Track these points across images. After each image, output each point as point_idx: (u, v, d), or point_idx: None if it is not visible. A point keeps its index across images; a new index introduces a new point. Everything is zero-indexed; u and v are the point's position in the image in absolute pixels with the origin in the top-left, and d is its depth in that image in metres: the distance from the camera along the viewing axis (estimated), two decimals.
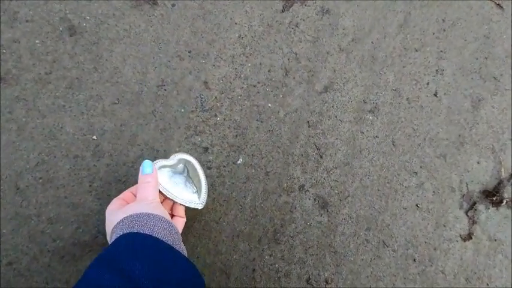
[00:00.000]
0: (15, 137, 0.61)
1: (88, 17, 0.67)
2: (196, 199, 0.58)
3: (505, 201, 0.74)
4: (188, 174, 0.62)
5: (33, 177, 0.61)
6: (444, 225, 0.72)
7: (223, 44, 0.72)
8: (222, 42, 0.72)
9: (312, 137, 0.72)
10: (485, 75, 0.80)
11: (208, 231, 0.65)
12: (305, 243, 0.68)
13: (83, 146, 0.63)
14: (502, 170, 0.76)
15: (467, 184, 0.75)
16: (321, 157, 0.71)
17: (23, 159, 0.61)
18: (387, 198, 0.72)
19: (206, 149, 0.68)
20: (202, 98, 0.69)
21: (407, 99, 0.76)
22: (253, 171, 0.69)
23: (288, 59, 0.74)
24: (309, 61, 0.75)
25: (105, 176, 0.63)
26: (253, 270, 0.65)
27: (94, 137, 0.64)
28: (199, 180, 0.60)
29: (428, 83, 0.78)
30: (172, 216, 0.58)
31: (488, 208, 0.74)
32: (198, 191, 0.60)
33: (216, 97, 0.70)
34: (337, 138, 0.72)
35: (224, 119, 0.69)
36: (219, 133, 0.69)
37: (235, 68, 0.72)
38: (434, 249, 0.71)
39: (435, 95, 0.77)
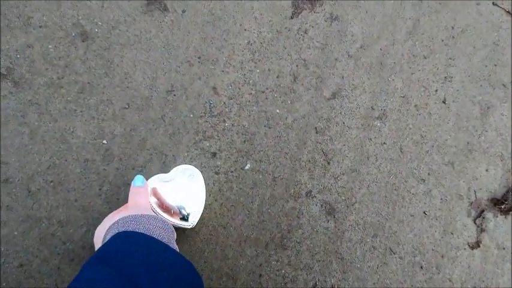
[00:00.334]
0: (27, 141, 0.62)
1: (100, 23, 0.68)
2: (185, 222, 0.57)
3: None
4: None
5: (44, 180, 0.62)
6: (452, 233, 0.72)
7: (233, 50, 0.73)
8: (231, 48, 0.73)
9: (320, 143, 0.72)
10: (494, 82, 0.79)
11: (216, 236, 0.65)
12: (312, 249, 0.68)
13: (93, 150, 0.64)
14: (511, 178, 0.75)
15: (475, 192, 0.74)
16: (329, 163, 0.71)
17: (35, 162, 0.62)
18: (394, 205, 0.72)
19: (214, 154, 0.68)
20: (211, 103, 0.70)
21: (415, 106, 0.76)
22: (260, 176, 0.69)
23: (297, 65, 0.74)
24: (317, 67, 0.75)
25: (114, 180, 0.64)
26: (260, 275, 0.65)
27: (104, 141, 0.65)
28: (198, 197, 0.60)
29: (436, 90, 0.77)
30: None
31: (497, 216, 0.74)
32: (194, 208, 0.59)
33: (224, 103, 0.70)
34: (344, 145, 0.73)
35: (232, 125, 0.70)
36: (227, 138, 0.69)
37: (244, 74, 0.72)
38: (442, 256, 0.71)
39: (444, 102, 0.77)
